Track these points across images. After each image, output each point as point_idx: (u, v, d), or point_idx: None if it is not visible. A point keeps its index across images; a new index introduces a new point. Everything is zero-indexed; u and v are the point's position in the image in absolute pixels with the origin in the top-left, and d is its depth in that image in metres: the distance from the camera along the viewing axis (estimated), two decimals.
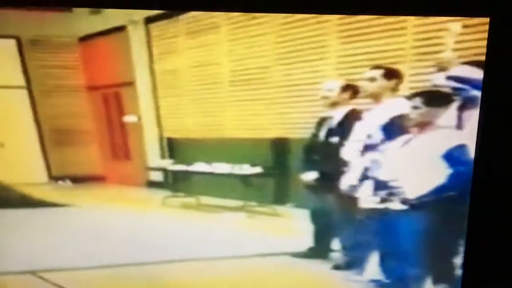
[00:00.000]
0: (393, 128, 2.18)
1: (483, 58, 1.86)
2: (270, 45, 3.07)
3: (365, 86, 2.24)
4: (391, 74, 2.18)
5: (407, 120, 2.05)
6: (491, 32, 1.54)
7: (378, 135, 2.25)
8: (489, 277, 1.76)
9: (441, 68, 1.92)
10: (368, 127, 2.26)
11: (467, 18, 1.91)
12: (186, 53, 3.74)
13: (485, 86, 1.76)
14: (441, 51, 2.20)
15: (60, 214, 3.06)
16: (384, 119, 2.21)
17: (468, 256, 1.62)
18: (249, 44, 3.16)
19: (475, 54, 2.00)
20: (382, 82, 2.20)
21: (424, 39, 2.34)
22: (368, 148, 2.28)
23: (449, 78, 1.90)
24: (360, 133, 2.31)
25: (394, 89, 2.21)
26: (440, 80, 2.00)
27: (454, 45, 2.23)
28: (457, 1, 1.58)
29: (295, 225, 2.87)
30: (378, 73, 2.22)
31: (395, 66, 2.19)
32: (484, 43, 1.94)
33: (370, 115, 2.28)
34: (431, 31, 2.28)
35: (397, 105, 2.20)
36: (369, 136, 2.27)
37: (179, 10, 2.98)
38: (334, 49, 2.74)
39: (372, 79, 2.21)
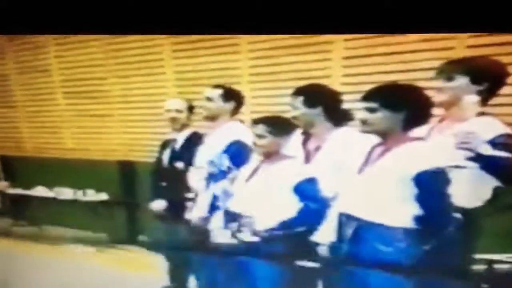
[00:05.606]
0: (238, 155, 1.87)
1: None
2: (102, 53, 2.57)
3: (204, 106, 1.91)
4: (230, 95, 1.88)
5: (251, 148, 1.70)
6: None
7: (223, 162, 1.98)
8: None
9: None
10: (210, 152, 1.92)
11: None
12: (9, 56, 3.09)
13: None
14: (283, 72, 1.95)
15: None
16: (226, 144, 1.89)
17: None
18: (78, 50, 2.64)
19: None
20: (220, 104, 1.89)
21: (260, 57, 2.07)
22: (214, 175, 1.97)
23: None
24: (203, 158, 1.99)
25: (234, 113, 1.90)
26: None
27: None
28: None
29: (149, 261, 2.52)
30: (216, 93, 1.89)
31: (234, 87, 1.88)
32: None
33: (211, 139, 1.97)
34: (266, 49, 2.00)
35: (239, 130, 1.90)
36: (212, 162, 1.96)
37: None
38: (170, 63, 2.35)
39: (210, 99, 1.89)
